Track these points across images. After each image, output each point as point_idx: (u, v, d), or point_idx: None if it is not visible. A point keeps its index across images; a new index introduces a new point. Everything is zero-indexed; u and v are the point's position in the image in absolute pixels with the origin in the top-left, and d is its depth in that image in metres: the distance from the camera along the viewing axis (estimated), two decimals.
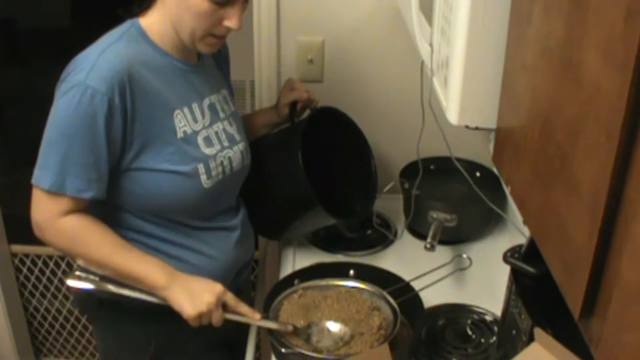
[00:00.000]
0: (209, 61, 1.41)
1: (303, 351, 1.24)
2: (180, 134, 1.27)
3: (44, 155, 1.20)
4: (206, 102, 1.35)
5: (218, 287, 1.24)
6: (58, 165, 1.18)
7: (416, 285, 1.46)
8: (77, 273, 1.29)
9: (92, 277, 1.29)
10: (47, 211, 1.22)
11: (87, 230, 1.24)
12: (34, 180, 1.21)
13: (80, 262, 1.36)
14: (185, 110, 1.29)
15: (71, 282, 1.29)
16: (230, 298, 1.25)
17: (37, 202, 1.23)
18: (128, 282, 1.26)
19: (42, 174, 1.20)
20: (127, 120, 1.20)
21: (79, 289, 1.33)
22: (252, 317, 1.28)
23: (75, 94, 1.16)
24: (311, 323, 1.32)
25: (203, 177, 1.29)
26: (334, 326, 1.33)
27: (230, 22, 1.24)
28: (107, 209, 1.28)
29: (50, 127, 1.20)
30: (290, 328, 1.28)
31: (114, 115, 1.17)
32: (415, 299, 1.42)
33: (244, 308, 1.27)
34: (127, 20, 1.28)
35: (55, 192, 1.19)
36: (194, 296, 1.22)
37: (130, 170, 1.24)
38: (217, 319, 1.24)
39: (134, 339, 1.41)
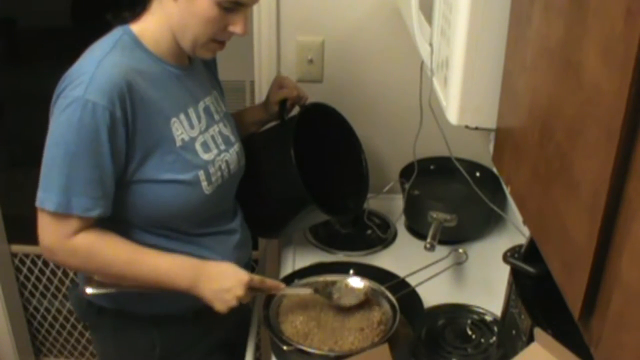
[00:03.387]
0: (198, 63, 1.39)
1: (303, 347, 1.25)
2: (179, 143, 1.25)
3: (47, 176, 1.16)
4: (201, 105, 1.33)
5: (244, 278, 1.24)
6: (63, 186, 1.14)
7: (414, 281, 1.46)
8: (96, 278, 1.27)
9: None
10: (56, 234, 1.18)
11: (100, 246, 1.21)
12: (38, 204, 1.17)
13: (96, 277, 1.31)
14: (182, 117, 1.27)
15: (90, 290, 1.27)
16: (256, 280, 1.27)
17: (44, 225, 1.19)
18: (149, 289, 1.24)
19: (46, 196, 1.16)
20: (129, 131, 1.17)
21: (87, 296, 1.32)
22: (278, 288, 1.33)
23: (75, 109, 1.12)
24: (329, 283, 1.38)
25: (204, 184, 1.28)
26: (354, 281, 1.39)
27: (236, 28, 1.22)
28: (109, 223, 1.23)
29: (51, 147, 1.16)
30: (310, 291, 1.35)
31: (116, 128, 1.14)
32: (415, 297, 1.42)
33: (269, 283, 1.30)
34: (117, 26, 1.24)
35: (61, 213, 1.16)
36: (223, 293, 1.22)
37: (131, 183, 1.21)
38: (246, 300, 1.26)
39: (139, 345, 1.40)
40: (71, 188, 1.15)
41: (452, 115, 0.96)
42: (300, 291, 1.37)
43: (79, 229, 1.18)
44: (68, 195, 1.15)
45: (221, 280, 1.24)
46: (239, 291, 1.22)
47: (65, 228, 1.17)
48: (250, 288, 1.25)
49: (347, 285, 1.38)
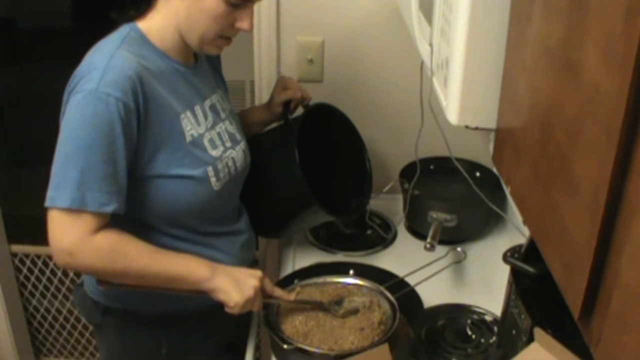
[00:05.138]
0: (204, 61, 1.39)
1: (303, 347, 1.25)
2: (188, 138, 1.25)
3: (59, 173, 1.13)
4: (207, 103, 1.34)
5: (259, 272, 1.27)
6: (77, 181, 1.11)
7: (414, 281, 1.47)
8: (115, 281, 1.24)
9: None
10: (74, 233, 1.13)
11: (123, 242, 1.18)
12: (49, 203, 1.12)
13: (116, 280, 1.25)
14: (189, 113, 1.27)
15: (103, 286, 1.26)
16: (267, 283, 1.30)
17: (58, 226, 1.13)
18: (170, 285, 1.23)
19: (58, 194, 1.12)
20: (141, 125, 1.16)
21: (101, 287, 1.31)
22: (288, 298, 1.34)
23: (89, 103, 1.11)
24: (336, 301, 1.36)
25: (213, 180, 1.28)
26: (358, 295, 1.39)
27: (242, 24, 1.23)
28: (121, 223, 1.20)
29: (63, 142, 1.13)
30: (318, 301, 1.36)
31: (130, 120, 1.14)
32: (414, 297, 1.42)
33: (278, 291, 1.33)
34: (122, 24, 1.24)
35: (75, 210, 1.12)
36: (240, 283, 1.23)
37: (142, 179, 1.21)
38: (258, 304, 1.27)
39: (145, 346, 1.40)
40: (86, 183, 1.12)
41: (452, 115, 0.96)
42: (307, 301, 1.36)
43: (96, 227, 1.14)
44: (83, 191, 1.12)
45: (237, 273, 1.26)
46: (256, 282, 1.24)
47: (82, 226, 1.13)
48: (262, 291, 1.27)
49: (351, 302, 1.36)
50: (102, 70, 1.13)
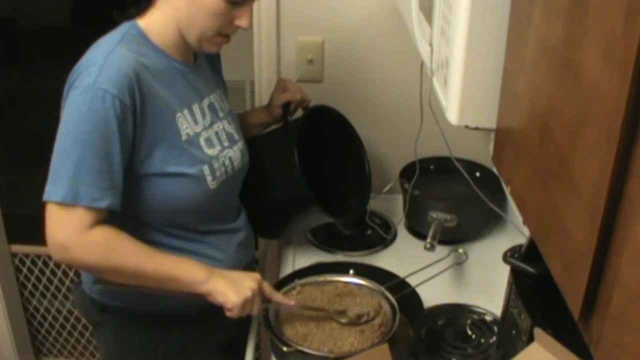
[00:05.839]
0: (203, 60, 1.40)
1: (303, 349, 1.25)
2: (184, 137, 1.25)
3: (56, 167, 1.14)
4: (206, 102, 1.35)
5: (257, 275, 1.27)
6: (71, 175, 1.12)
7: (414, 282, 1.46)
8: (111, 279, 1.24)
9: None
10: (70, 227, 1.14)
11: (118, 239, 1.18)
12: (45, 197, 1.14)
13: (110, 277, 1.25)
14: (186, 112, 1.27)
15: (100, 285, 1.26)
16: (267, 286, 1.28)
17: (54, 220, 1.14)
18: (165, 285, 1.22)
19: (53, 188, 1.13)
20: (137, 122, 1.17)
21: (96, 287, 1.32)
22: (288, 303, 1.32)
23: (86, 98, 1.12)
24: (340, 310, 1.34)
25: (209, 179, 1.28)
26: (364, 300, 1.37)
27: (242, 22, 1.24)
28: (117, 221, 1.21)
29: (61, 137, 1.15)
30: (321, 309, 1.33)
31: (126, 117, 1.14)
32: (414, 297, 1.42)
33: (278, 296, 1.31)
34: (123, 22, 1.25)
35: (69, 204, 1.13)
36: (237, 284, 1.23)
37: (139, 177, 1.21)
38: (257, 307, 1.26)
39: (142, 344, 1.40)
40: (79, 178, 1.13)
41: (452, 115, 0.96)
42: (309, 308, 1.34)
43: (90, 222, 1.15)
44: (76, 185, 1.13)
45: (234, 275, 1.26)
46: (253, 284, 1.23)
47: (76, 221, 1.14)
48: (261, 295, 1.26)
49: (354, 308, 1.34)
50: (100, 67, 1.14)
